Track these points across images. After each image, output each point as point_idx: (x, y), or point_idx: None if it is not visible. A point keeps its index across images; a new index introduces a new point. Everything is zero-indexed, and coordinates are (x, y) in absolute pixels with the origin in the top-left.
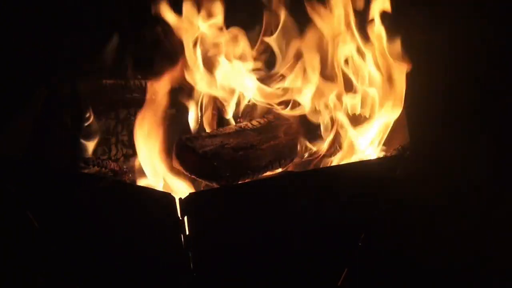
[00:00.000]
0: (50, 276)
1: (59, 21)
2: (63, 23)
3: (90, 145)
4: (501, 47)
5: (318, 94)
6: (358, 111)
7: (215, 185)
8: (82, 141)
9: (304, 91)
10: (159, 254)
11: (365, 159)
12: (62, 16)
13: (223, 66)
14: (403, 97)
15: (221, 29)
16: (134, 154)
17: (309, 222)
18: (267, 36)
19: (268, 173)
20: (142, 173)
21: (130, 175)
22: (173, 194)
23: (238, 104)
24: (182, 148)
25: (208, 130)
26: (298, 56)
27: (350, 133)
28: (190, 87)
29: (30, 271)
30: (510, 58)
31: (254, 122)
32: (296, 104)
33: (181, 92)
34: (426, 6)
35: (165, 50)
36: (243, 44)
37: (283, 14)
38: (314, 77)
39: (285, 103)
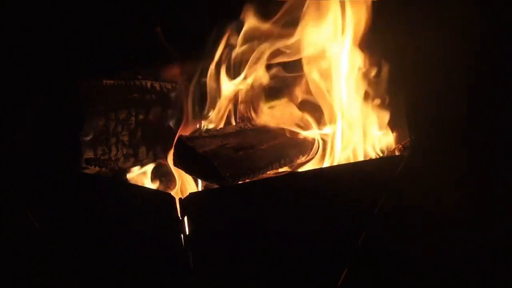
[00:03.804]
0: (50, 276)
1: (60, 21)
2: (64, 23)
3: (90, 145)
4: (502, 47)
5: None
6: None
7: (215, 185)
8: (83, 141)
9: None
10: (159, 254)
11: (365, 159)
12: (63, 15)
13: None
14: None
15: None
16: (134, 154)
17: (309, 222)
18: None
19: (268, 173)
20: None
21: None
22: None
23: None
24: (182, 148)
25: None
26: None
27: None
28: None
29: (30, 271)
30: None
31: (254, 122)
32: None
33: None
34: (425, 7)
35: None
36: None
37: None
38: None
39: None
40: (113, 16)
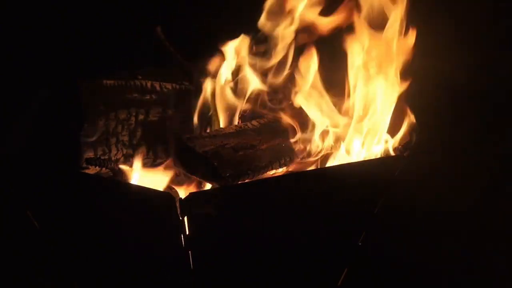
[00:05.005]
0: (50, 276)
1: (60, 21)
2: (64, 23)
3: (90, 145)
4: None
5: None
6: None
7: (215, 185)
8: (83, 141)
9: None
10: (159, 254)
11: (365, 159)
12: (63, 15)
13: None
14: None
15: None
16: (134, 154)
17: (309, 222)
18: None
19: (268, 173)
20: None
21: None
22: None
23: None
24: (182, 148)
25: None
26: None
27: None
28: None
29: (30, 271)
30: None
31: (254, 122)
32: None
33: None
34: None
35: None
36: None
37: None
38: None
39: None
40: (113, 16)
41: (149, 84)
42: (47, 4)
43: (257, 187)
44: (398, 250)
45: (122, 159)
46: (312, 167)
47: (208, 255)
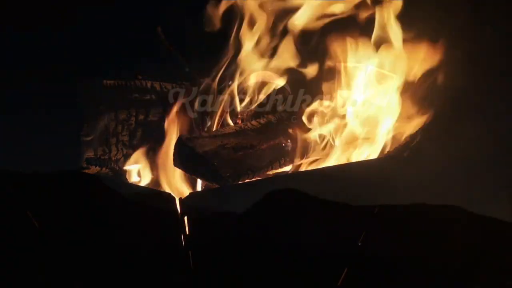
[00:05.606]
0: (50, 276)
1: (60, 21)
2: (64, 23)
3: (91, 145)
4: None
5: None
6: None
7: (215, 185)
8: (83, 141)
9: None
10: (159, 253)
11: (365, 159)
12: (63, 15)
13: None
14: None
15: None
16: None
17: (308, 222)
18: None
19: (268, 173)
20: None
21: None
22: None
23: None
24: (182, 148)
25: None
26: None
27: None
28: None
29: (30, 271)
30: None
31: (254, 122)
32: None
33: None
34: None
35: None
36: None
37: None
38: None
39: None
40: (113, 16)
41: (149, 84)
42: (47, 4)
43: (257, 187)
44: (398, 250)
45: (122, 159)
46: (311, 167)
47: (208, 255)
